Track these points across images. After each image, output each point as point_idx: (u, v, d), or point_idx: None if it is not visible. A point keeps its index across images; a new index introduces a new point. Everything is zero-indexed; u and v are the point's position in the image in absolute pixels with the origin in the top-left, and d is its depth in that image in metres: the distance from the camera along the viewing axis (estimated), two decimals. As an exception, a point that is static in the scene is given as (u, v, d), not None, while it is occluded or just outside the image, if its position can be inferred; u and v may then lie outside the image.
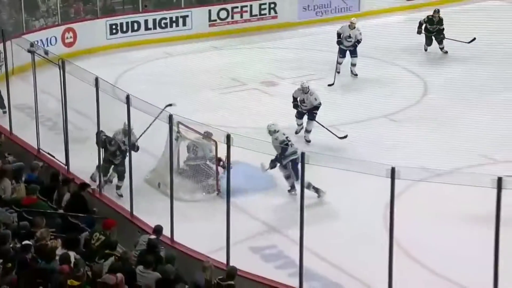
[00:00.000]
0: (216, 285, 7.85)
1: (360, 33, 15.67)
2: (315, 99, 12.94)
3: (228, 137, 8.66)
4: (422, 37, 17.24)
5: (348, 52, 15.82)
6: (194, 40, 18.56)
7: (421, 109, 14.25)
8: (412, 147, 12.36)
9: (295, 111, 13.36)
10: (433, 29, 16.85)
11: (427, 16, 16.95)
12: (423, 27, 16.90)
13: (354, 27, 15.75)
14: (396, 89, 15.12)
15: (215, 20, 19.20)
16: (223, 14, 19.29)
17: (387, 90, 15.10)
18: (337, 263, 9.56)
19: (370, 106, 14.16)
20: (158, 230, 9.04)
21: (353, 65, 15.94)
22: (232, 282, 7.88)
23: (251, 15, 19.45)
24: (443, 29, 16.80)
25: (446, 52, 16.90)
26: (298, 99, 13.08)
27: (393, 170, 7.62)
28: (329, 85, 15.31)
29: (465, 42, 16.36)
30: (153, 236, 8.85)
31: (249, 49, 18.27)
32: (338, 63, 15.86)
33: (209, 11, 19.14)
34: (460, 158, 11.76)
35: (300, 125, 13.24)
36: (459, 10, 19.54)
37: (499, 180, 7.11)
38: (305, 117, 13.10)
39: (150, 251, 8.44)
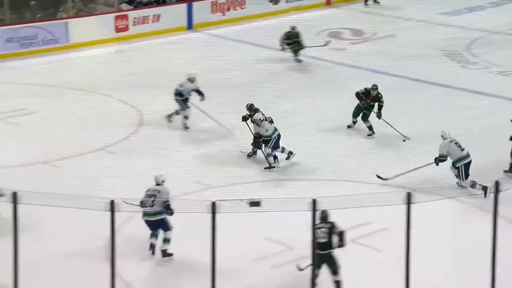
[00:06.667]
0: None
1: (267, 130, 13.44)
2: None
3: None
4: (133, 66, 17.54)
5: None
6: None
7: (137, 140, 14.26)
8: (132, 178, 12.23)
9: (4, 149, 13.26)
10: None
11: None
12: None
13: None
14: (113, 120, 14.99)
15: None
16: None
17: (104, 121, 14.92)
18: None
19: (86, 140, 13.91)
20: None
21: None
22: None
23: None
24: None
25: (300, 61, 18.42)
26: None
27: (112, 203, 7.67)
28: None
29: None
30: None
31: None
32: None
33: None
34: (176, 186, 11.89)
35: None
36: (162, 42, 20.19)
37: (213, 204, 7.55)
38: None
39: None
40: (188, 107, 14.60)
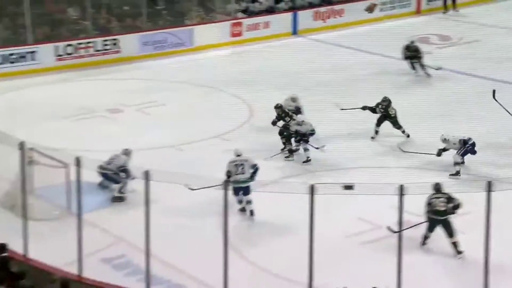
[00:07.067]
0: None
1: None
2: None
3: (77, 160, 8.49)
4: (245, 66, 17.78)
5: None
6: (43, 74, 17.92)
7: (248, 130, 14.56)
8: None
9: (140, 135, 13.66)
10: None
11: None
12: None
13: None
14: (227, 112, 15.36)
15: (62, 55, 18.69)
16: (69, 49, 18.80)
17: (219, 113, 15.33)
18: (180, 267, 9.52)
19: (206, 128, 14.36)
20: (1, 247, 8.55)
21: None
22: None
23: (95, 50, 19.11)
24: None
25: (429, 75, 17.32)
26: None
27: (226, 183, 7.99)
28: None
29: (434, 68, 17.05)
30: (4, 254, 8.36)
31: (95, 81, 17.91)
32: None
33: (56, 47, 18.59)
34: (281, 170, 12.28)
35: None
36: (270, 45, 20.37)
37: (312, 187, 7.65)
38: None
39: (1, 268, 7.93)
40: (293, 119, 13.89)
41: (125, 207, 11.29)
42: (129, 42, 19.47)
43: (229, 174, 10.72)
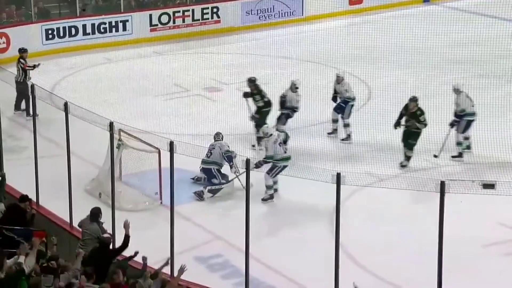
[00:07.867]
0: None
1: (346, 90, 13.61)
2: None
3: (171, 144, 8.69)
4: (365, 39, 17.69)
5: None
6: (134, 45, 18.56)
7: (367, 113, 14.40)
8: (357, 152, 12.66)
9: (239, 118, 13.62)
10: None
11: None
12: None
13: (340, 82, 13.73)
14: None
15: (156, 25, 19.24)
16: (164, 18, 19.32)
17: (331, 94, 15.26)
18: (284, 272, 9.59)
19: (318, 111, 14.30)
20: (94, 213, 9.14)
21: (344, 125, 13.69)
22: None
23: (193, 19, 19.54)
24: None
25: None
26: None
27: (338, 176, 7.76)
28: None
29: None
30: (106, 235, 8.92)
31: (191, 54, 18.33)
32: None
33: (150, 15, 19.17)
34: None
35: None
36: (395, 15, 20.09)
37: (442, 184, 7.38)
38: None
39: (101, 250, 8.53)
40: None
41: (222, 200, 11.50)
42: (230, 10, 19.79)
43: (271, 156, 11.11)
